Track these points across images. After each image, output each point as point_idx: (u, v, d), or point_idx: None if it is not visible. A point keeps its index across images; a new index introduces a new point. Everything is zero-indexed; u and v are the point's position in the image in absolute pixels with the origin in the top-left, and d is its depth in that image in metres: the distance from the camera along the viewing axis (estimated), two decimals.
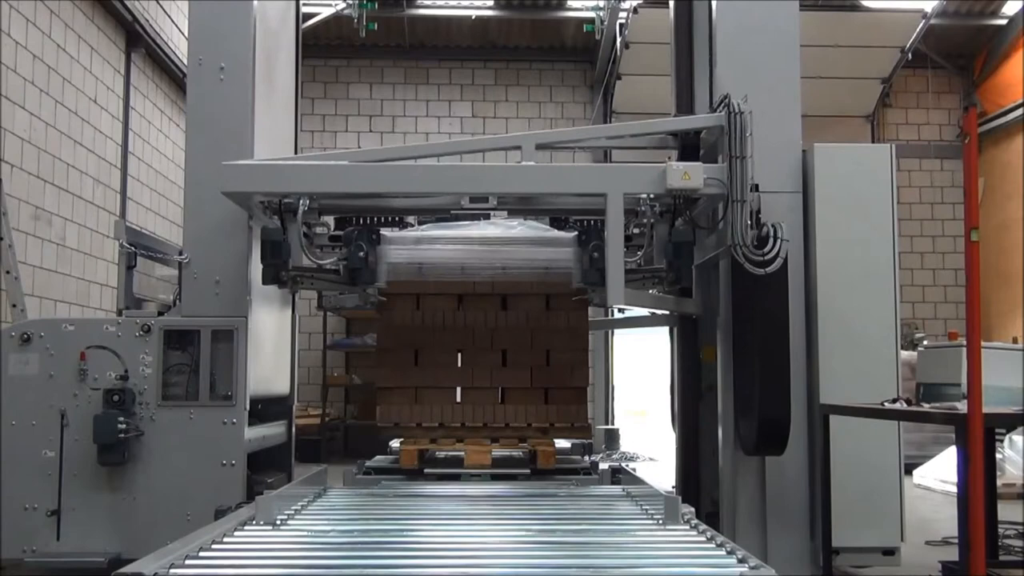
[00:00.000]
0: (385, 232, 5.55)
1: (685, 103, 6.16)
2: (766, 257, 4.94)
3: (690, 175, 4.97)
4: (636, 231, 5.58)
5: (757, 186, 5.16)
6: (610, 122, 14.73)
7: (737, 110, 5.06)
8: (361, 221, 5.67)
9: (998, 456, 8.74)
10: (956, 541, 5.06)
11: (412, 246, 5.54)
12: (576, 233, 5.53)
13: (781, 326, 5.02)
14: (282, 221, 5.34)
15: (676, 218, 5.39)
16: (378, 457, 5.93)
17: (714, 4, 5.59)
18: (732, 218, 4.98)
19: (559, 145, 5.97)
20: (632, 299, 5.47)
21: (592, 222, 5.63)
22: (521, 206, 5.63)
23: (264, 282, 5.41)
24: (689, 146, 5.76)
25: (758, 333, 5.02)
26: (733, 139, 5.03)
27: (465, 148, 5.53)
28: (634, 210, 5.36)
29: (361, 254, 5.31)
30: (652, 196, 5.25)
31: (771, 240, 4.96)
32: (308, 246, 5.44)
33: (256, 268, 5.58)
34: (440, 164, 5.44)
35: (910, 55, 14.04)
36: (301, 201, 5.28)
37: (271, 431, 6.14)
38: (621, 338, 14.56)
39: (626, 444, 14.08)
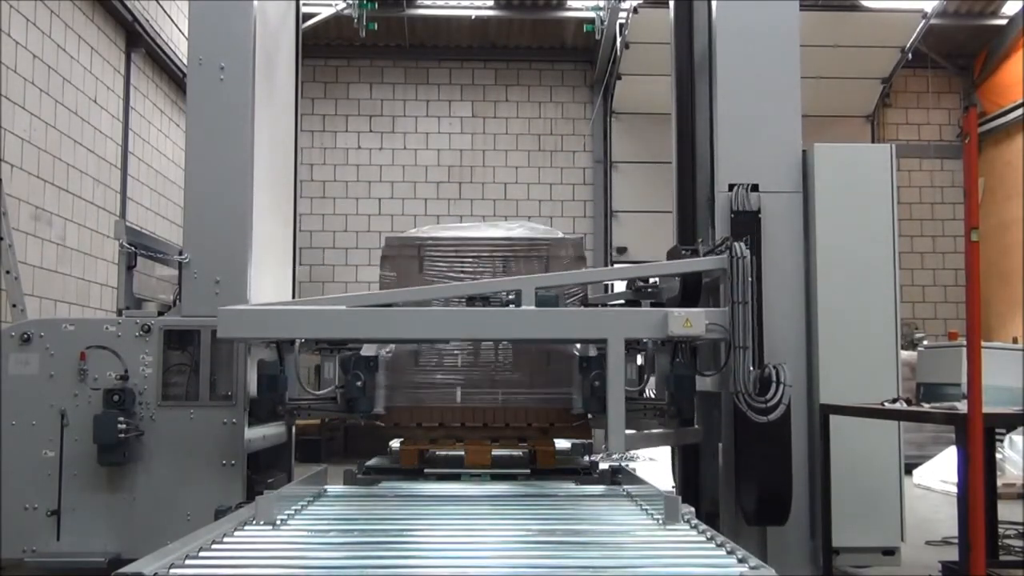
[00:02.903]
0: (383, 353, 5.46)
1: (685, 103, 6.15)
2: (768, 404, 4.89)
3: (692, 322, 4.88)
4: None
5: (757, 186, 5.15)
6: (610, 121, 14.85)
7: (739, 254, 4.97)
8: None
9: (998, 456, 8.74)
10: (956, 541, 5.06)
11: (410, 378, 5.50)
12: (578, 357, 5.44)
13: (785, 468, 4.98)
14: (279, 351, 5.28)
15: (678, 346, 5.30)
16: (378, 457, 5.94)
17: (714, 4, 5.59)
18: (735, 365, 4.93)
19: (561, 285, 5.73)
20: (634, 444, 5.38)
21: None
22: (521, 341, 5.54)
23: (260, 419, 5.32)
24: (691, 282, 5.57)
25: (758, 473, 4.99)
26: (736, 284, 4.95)
27: (467, 292, 5.44)
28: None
29: (359, 383, 5.22)
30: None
31: (773, 385, 4.89)
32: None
33: (256, 266, 5.59)
34: (441, 309, 5.31)
35: (910, 55, 14.05)
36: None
37: (271, 431, 6.13)
38: None
39: None
